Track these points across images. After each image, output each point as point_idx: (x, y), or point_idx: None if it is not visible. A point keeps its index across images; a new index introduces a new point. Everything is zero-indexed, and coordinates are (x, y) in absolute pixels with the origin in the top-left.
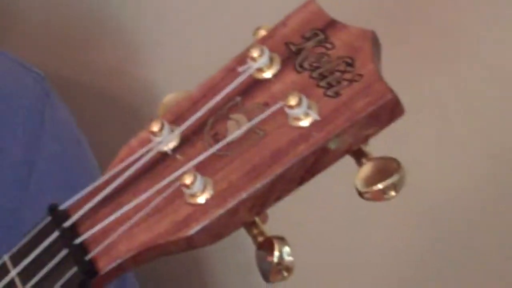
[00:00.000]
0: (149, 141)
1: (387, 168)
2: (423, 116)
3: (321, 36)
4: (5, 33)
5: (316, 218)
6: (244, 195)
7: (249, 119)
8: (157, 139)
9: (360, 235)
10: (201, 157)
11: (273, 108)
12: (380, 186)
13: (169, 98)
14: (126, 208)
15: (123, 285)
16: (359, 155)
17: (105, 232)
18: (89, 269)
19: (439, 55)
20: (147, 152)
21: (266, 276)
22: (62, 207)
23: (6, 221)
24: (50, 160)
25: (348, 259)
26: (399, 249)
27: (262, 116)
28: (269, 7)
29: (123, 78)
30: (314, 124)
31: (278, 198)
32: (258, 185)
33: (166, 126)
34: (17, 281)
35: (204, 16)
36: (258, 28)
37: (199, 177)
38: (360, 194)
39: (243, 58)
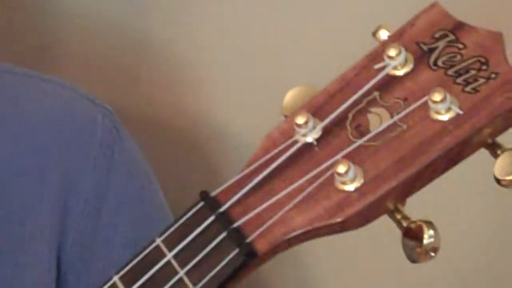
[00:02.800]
0: (292, 132)
1: None
2: None
3: (452, 37)
4: (69, 67)
5: None
6: (393, 183)
7: (391, 114)
8: (302, 131)
9: None
10: (351, 147)
11: (416, 103)
12: None
13: (290, 95)
14: (279, 195)
15: None
16: (494, 147)
17: (261, 216)
18: (250, 251)
19: None
20: (293, 143)
21: (413, 259)
22: (213, 194)
23: (80, 255)
24: (120, 193)
25: None
26: None
27: (405, 110)
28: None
29: (186, 112)
30: (455, 118)
31: (422, 186)
32: (407, 174)
33: (311, 120)
34: (174, 264)
35: (262, 52)
36: (379, 27)
37: (352, 166)
38: (498, 181)
39: (376, 56)
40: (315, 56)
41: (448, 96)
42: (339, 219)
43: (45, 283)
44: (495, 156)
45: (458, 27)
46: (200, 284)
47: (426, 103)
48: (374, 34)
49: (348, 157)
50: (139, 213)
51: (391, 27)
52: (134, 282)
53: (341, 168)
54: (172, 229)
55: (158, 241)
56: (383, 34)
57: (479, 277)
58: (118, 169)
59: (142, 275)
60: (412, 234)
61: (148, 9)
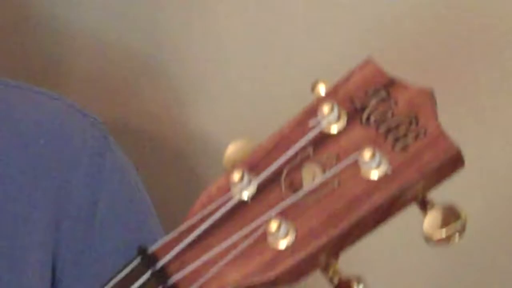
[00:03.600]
0: (228, 188)
1: (451, 214)
2: None
3: (384, 94)
4: (57, 79)
5: None
6: (324, 240)
7: (323, 170)
8: (238, 186)
9: None
10: (282, 205)
11: (347, 161)
12: (444, 232)
13: (232, 149)
14: (214, 251)
15: None
16: (424, 203)
17: (196, 272)
18: None
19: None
20: (228, 199)
21: None
22: (150, 250)
23: (74, 261)
24: (112, 200)
25: None
26: None
27: (336, 168)
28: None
29: (172, 123)
30: (384, 176)
31: (353, 241)
32: (337, 231)
33: (246, 176)
34: None
35: (252, 66)
36: (316, 82)
37: (283, 223)
38: (427, 238)
39: (311, 112)
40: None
41: (378, 155)
42: (271, 276)
43: None
44: (425, 212)
45: (391, 83)
46: None
47: (357, 161)
48: (312, 89)
49: (280, 214)
50: (130, 219)
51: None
52: None
53: (273, 226)
54: (110, 284)
55: None
56: (322, 89)
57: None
58: (109, 177)
59: None
60: None
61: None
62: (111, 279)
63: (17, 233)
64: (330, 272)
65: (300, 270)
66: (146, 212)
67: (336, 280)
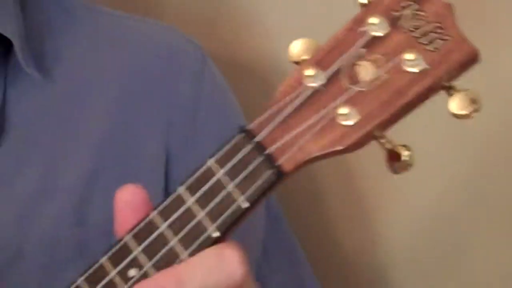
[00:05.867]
0: (301, 81)
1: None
2: None
3: (415, 6)
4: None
5: None
6: (380, 119)
7: (375, 67)
8: (310, 79)
9: None
10: (346, 94)
11: (393, 59)
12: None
13: (296, 46)
14: (297, 129)
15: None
16: (449, 88)
17: (285, 145)
18: (280, 172)
19: None
20: (304, 89)
21: (394, 172)
22: (248, 127)
23: (176, 162)
24: (209, 107)
25: None
26: None
27: (385, 65)
28: None
29: (250, 47)
30: (423, 70)
31: (400, 119)
32: (390, 112)
33: (316, 71)
34: (225, 179)
35: None
36: None
37: (348, 108)
38: (455, 115)
39: (358, 20)
40: None
41: (416, 54)
42: (341, 147)
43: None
44: (450, 95)
45: None
46: (245, 195)
47: (401, 58)
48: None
49: (345, 101)
50: (225, 122)
51: None
52: (194, 194)
53: (341, 110)
54: (221, 152)
55: (210, 161)
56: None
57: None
58: (207, 88)
59: (199, 189)
60: (392, 154)
61: None
62: (217, 150)
63: (135, 133)
64: (383, 141)
65: (362, 141)
66: (238, 116)
67: (388, 146)
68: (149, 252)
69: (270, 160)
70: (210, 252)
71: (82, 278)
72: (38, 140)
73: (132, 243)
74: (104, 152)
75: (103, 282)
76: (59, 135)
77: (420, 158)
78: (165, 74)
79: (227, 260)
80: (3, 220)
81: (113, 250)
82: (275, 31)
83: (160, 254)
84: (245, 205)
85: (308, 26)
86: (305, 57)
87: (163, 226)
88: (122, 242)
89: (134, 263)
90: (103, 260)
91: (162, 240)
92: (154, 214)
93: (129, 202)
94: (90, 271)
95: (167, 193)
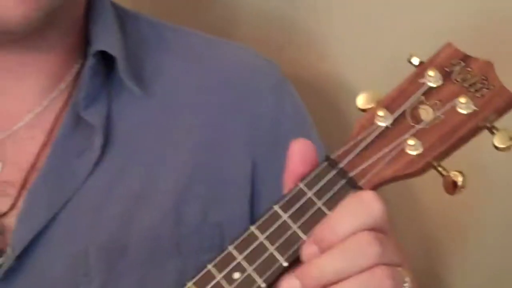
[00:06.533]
0: (373, 120)
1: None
2: None
3: (463, 64)
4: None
5: None
6: (439, 150)
7: (433, 110)
8: (381, 119)
9: None
10: (412, 130)
11: (448, 104)
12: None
13: (364, 96)
14: (374, 158)
15: None
16: (491, 128)
17: (364, 170)
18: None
19: None
20: (376, 127)
21: (449, 193)
22: (333, 156)
23: (261, 171)
24: (289, 124)
25: None
26: None
27: (442, 108)
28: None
29: (315, 68)
30: (473, 112)
31: (454, 151)
32: (446, 146)
33: (386, 112)
34: (314, 198)
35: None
36: (411, 56)
37: (415, 141)
38: (497, 148)
39: (418, 74)
40: None
41: (467, 100)
42: (410, 171)
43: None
44: (492, 133)
45: (466, 57)
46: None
47: (454, 103)
48: (409, 60)
49: (412, 135)
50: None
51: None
52: (287, 211)
53: (410, 142)
54: (309, 176)
55: (301, 184)
56: (415, 60)
57: None
58: (287, 106)
59: (292, 206)
60: (449, 180)
61: None
62: (306, 176)
63: (221, 153)
64: (440, 169)
65: (425, 168)
66: (313, 129)
67: (444, 173)
68: (250, 258)
69: (352, 182)
70: (350, 200)
71: (191, 282)
72: (139, 148)
73: (235, 252)
74: (198, 159)
75: (211, 284)
76: (158, 143)
77: None
78: (249, 90)
79: (365, 201)
80: (110, 218)
81: (218, 258)
82: (340, 55)
83: (260, 260)
84: None
85: (369, 50)
86: (369, 106)
87: (261, 237)
88: (226, 252)
89: (238, 267)
90: (210, 266)
91: (261, 248)
92: (253, 228)
93: (301, 153)
94: (199, 276)
95: (252, 199)
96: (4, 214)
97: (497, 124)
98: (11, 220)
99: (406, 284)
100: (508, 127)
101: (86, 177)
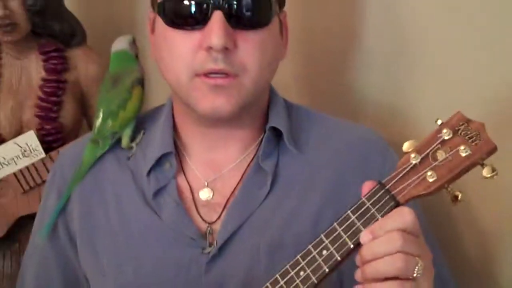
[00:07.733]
0: (409, 160)
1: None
2: None
3: (466, 125)
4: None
5: None
6: (449, 177)
7: (446, 152)
8: (414, 159)
9: None
10: (432, 165)
11: (456, 148)
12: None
13: (407, 144)
14: (408, 181)
15: None
16: (482, 164)
17: (402, 190)
18: (397, 203)
19: None
20: (410, 164)
21: (455, 204)
22: (382, 182)
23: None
24: (386, 173)
25: None
26: None
27: (451, 151)
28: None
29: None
30: (470, 153)
31: (458, 178)
32: (453, 175)
33: (416, 155)
34: (370, 206)
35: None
36: (436, 120)
37: (433, 172)
38: (486, 178)
39: (438, 130)
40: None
41: (466, 147)
42: (428, 191)
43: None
44: (482, 167)
45: (469, 120)
46: (380, 215)
47: (458, 149)
48: (436, 121)
49: (431, 168)
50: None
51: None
52: (355, 213)
53: (428, 173)
54: (368, 194)
55: (362, 199)
56: (439, 121)
57: None
58: (391, 160)
59: (358, 211)
60: (452, 195)
61: None
62: (366, 194)
63: (344, 191)
64: (449, 189)
65: (439, 189)
66: None
67: (452, 192)
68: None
69: (393, 197)
70: (394, 211)
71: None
72: (293, 187)
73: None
74: (327, 198)
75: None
76: (306, 184)
77: None
78: (364, 153)
79: (402, 212)
80: (273, 227)
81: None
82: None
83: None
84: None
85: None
86: (410, 149)
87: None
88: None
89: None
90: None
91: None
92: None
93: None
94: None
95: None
96: (214, 222)
97: (486, 162)
98: (217, 226)
99: (417, 268)
100: (493, 163)
101: (261, 202)
